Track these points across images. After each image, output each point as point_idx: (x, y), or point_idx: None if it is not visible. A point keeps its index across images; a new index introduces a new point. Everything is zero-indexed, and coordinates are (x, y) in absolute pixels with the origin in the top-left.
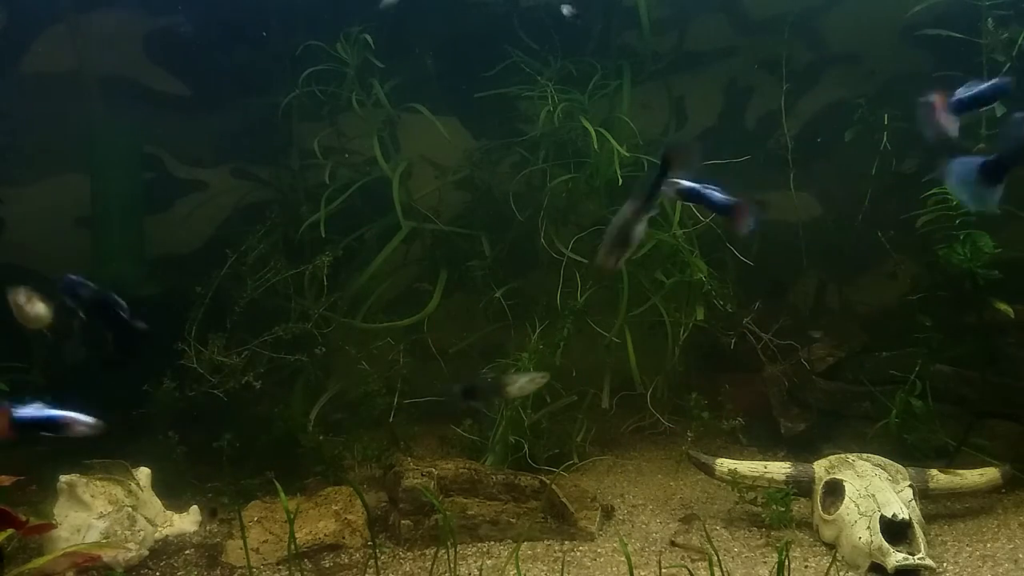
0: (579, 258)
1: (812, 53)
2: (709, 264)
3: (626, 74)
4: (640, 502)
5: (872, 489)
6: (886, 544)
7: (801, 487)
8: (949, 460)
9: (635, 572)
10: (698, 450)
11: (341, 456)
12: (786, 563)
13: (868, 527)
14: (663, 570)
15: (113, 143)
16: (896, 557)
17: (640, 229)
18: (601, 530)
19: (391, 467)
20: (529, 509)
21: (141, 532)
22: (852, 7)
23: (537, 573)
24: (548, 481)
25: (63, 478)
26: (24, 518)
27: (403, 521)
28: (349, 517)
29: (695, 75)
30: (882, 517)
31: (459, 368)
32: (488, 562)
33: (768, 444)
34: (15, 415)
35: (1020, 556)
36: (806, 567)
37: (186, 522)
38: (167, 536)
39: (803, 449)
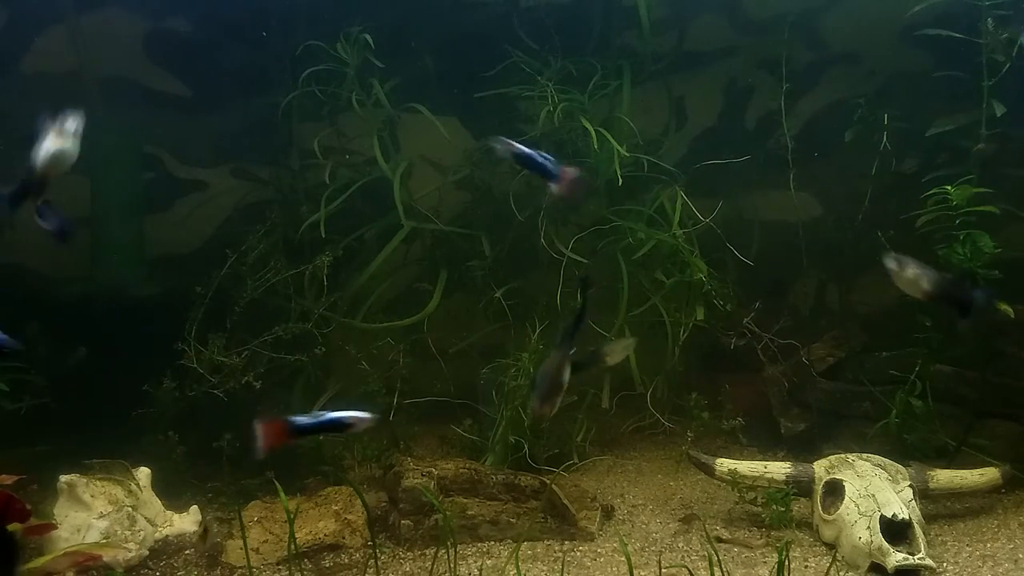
0: (579, 258)
1: (812, 53)
2: (709, 264)
3: (626, 74)
4: (640, 502)
5: (872, 489)
6: (886, 544)
7: (801, 487)
8: (949, 460)
9: (635, 572)
10: (698, 450)
11: (341, 456)
12: (786, 563)
13: (868, 527)
14: (663, 570)
15: (113, 143)
16: (896, 557)
17: (568, 371)
18: (601, 530)
19: (391, 467)
20: (529, 509)
21: (141, 532)
22: (852, 7)
23: (537, 573)
24: (548, 481)
25: (63, 478)
26: (29, 506)
27: (403, 521)
28: (349, 517)
29: (695, 75)
30: (882, 517)
31: (459, 368)
32: (488, 562)
33: (768, 444)
34: (295, 424)
35: (1020, 556)
36: (806, 567)
37: (186, 522)
38: (167, 536)
39: (803, 449)
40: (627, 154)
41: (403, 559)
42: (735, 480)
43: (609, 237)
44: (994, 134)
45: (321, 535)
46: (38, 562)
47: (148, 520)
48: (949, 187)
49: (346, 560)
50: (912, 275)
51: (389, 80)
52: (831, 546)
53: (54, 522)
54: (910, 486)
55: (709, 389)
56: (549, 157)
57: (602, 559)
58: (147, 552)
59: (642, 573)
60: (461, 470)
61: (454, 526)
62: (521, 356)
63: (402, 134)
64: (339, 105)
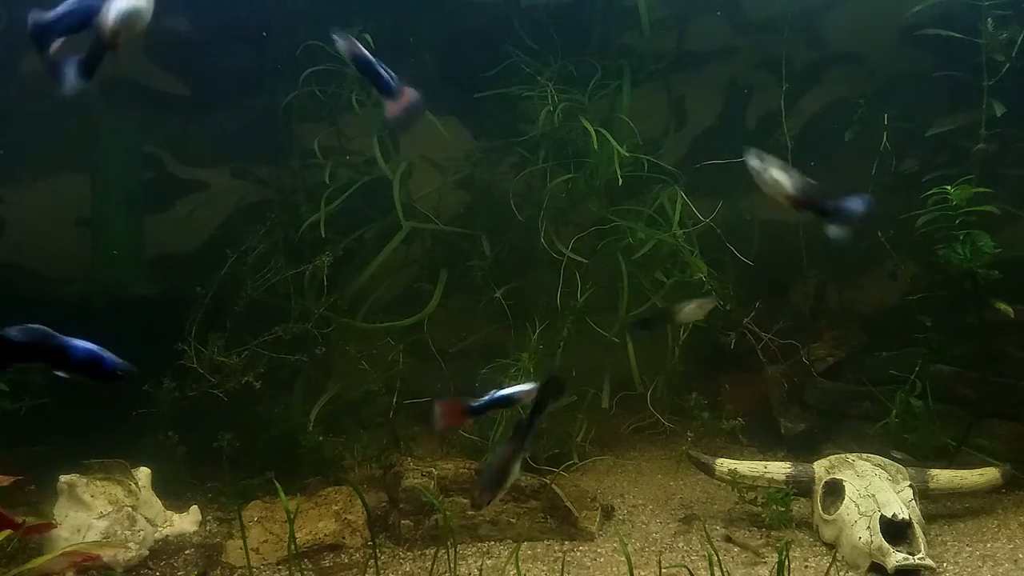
0: (579, 258)
1: (812, 53)
2: (709, 264)
3: (626, 74)
4: (640, 502)
5: (872, 489)
6: (886, 544)
7: (801, 487)
8: (949, 460)
9: (635, 572)
10: (698, 450)
11: (341, 456)
12: (786, 563)
13: (868, 527)
14: (663, 570)
15: (113, 143)
16: (896, 557)
17: (517, 467)
18: (601, 530)
19: (391, 467)
20: (529, 509)
21: (141, 532)
22: (852, 7)
23: (537, 573)
24: (548, 481)
25: (63, 478)
26: (20, 519)
27: (403, 521)
28: (349, 517)
29: (695, 75)
30: (882, 517)
31: (459, 368)
32: (488, 562)
33: (768, 444)
34: (471, 404)
35: (1020, 556)
36: (806, 567)
37: (186, 522)
38: (167, 536)
39: (803, 449)
40: (627, 154)
41: (403, 559)
42: (735, 480)
43: (609, 237)
44: (994, 134)
45: (321, 535)
46: (38, 562)
47: (148, 520)
48: (949, 187)
49: (346, 560)
50: (773, 176)
51: None
52: (831, 546)
53: (54, 522)
54: (910, 486)
55: (709, 389)
56: (391, 72)
57: (602, 559)
58: (147, 552)
59: (642, 573)
60: (461, 470)
61: (454, 526)
62: (521, 356)
63: (402, 134)
64: (339, 105)
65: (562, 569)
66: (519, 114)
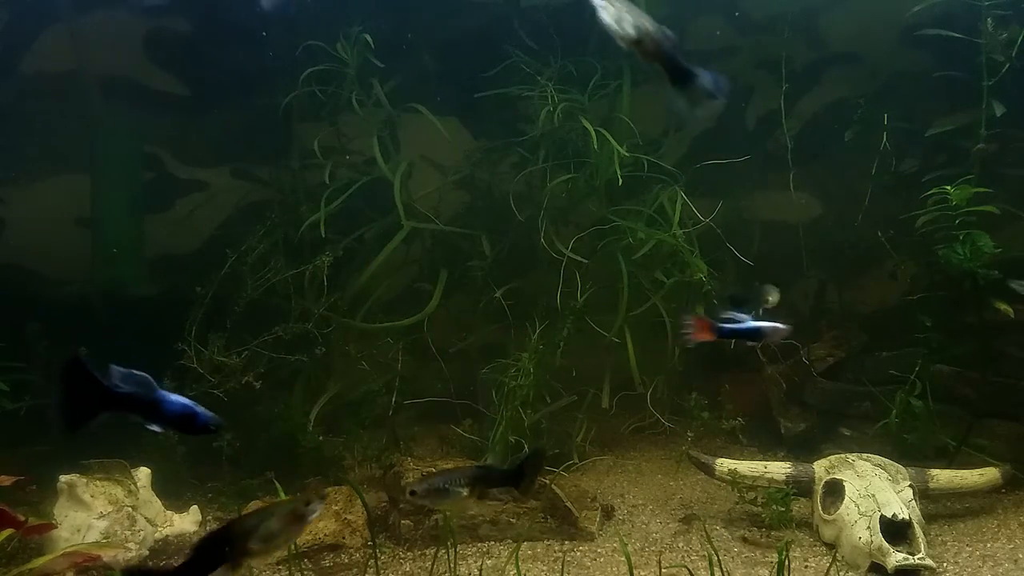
0: (579, 258)
1: (812, 53)
2: (709, 264)
3: (626, 74)
4: (640, 502)
5: (872, 489)
6: (886, 544)
7: (801, 487)
8: (949, 460)
9: (635, 572)
10: (698, 450)
11: (341, 456)
12: (786, 563)
13: (868, 527)
14: (663, 570)
15: (113, 143)
16: (896, 557)
17: (456, 494)
18: (601, 530)
19: (391, 467)
20: (529, 509)
21: (141, 532)
22: (852, 7)
23: (537, 573)
24: (548, 481)
25: (63, 478)
26: (23, 518)
27: (403, 521)
28: (349, 517)
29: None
30: (882, 517)
31: (459, 368)
32: (488, 562)
33: (768, 444)
34: (721, 327)
35: (1020, 556)
36: (806, 567)
37: (186, 522)
38: (167, 536)
39: (803, 449)
40: (627, 154)
41: (403, 559)
42: (735, 480)
43: (609, 237)
44: (994, 134)
45: (321, 535)
46: (38, 562)
47: (148, 520)
48: (949, 187)
49: (346, 560)
50: (615, 14)
51: (389, 80)
52: (831, 546)
53: (54, 522)
54: (910, 486)
55: (709, 389)
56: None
57: (602, 559)
58: (147, 552)
59: (642, 573)
60: None
61: (454, 526)
62: (521, 356)
63: (402, 134)
64: (339, 105)
65: (562, 569)
66: (519, 114)
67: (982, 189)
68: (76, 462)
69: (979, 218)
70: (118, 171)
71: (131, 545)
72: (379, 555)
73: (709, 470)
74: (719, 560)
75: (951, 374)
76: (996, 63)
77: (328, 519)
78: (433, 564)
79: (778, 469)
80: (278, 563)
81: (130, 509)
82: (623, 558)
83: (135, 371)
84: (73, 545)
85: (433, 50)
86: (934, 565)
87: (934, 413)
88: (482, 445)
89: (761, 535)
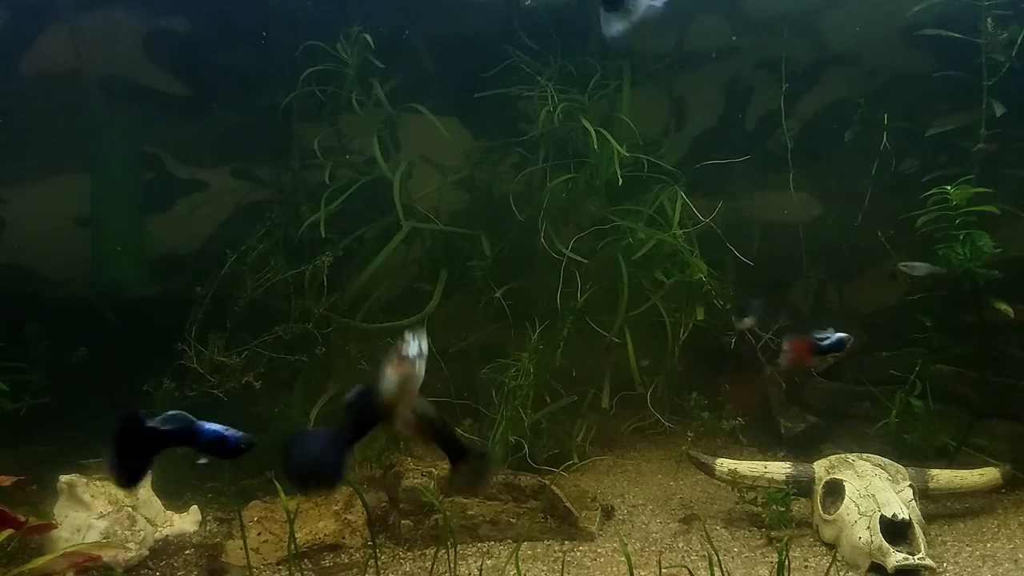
0: (579, 258)
1: (812, 53)
2: (709, 264)
3: (626, 74)
4: (640, 502)
5: (872, 489)
6: (886, 544)
7: (801, 487)
8: (949, 460)
9: (635, 572)
10: (698, 450)
11: None
12: (786, 563)
13: (868, 527)
14: (663, 570)
15: (113, 143)
16: (896, 557)
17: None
18: (601, 530)
19: (391, 467)
20: (529, 509)
21: (141, 532)
22: (852, 7)
23: (537, 573)
24: (548, 481)
25: (63, 478)
26: (23, 518)
27: (403, 521)
28: (349, 517)
29: (695, 75)
30: (882, 517)
31: (459, 368)
32: (488, 562)
33: (768, 444)
34: (820, 345)
35: (1020, 556)
36: (806, 567)
37: (186, 522)
38: (167, 536)
39: (803, 449)
40: (627, 154)
41: (403, 559)
42: (735, 480)
43: (609, 237)
44: (994, 134)
45: (321, 535)
46: (38, 562)
47: (148, 520)
48: (949, 187)
49: (346, 560)
50: None
51: (389, 80)
52: (831, 546)
53: (54, 522)
54: (910, 486)
55: (709, 389)
56: None
57: (602, 559)
58: (147, 552)
59: (642, 573)
60: None
61: (454, 526)
62: (521, 356)
63: (402, 134)
64: (339, 105)
65: (562, 569)
66: (519, 114)
67: (982, 189)
68: (76, 462)
69: (979, 218)
70: (118, 171)
71: (131, 545)
72: (379, 555)
73: (709, 470)
74: (719, 560)
75: (951, 374)
76: (996, 63)
77: (328, 519)
78: (433, 564)
79: (778, 469)
80: (278, 563)
81: (130, 509)
82: (623, 558)
83: (171, 413)
84: (73, 545)
85: (433, 50)
86: (934, 565)
87: (934, 413)
88: (482, 445)
89: (761, 535)
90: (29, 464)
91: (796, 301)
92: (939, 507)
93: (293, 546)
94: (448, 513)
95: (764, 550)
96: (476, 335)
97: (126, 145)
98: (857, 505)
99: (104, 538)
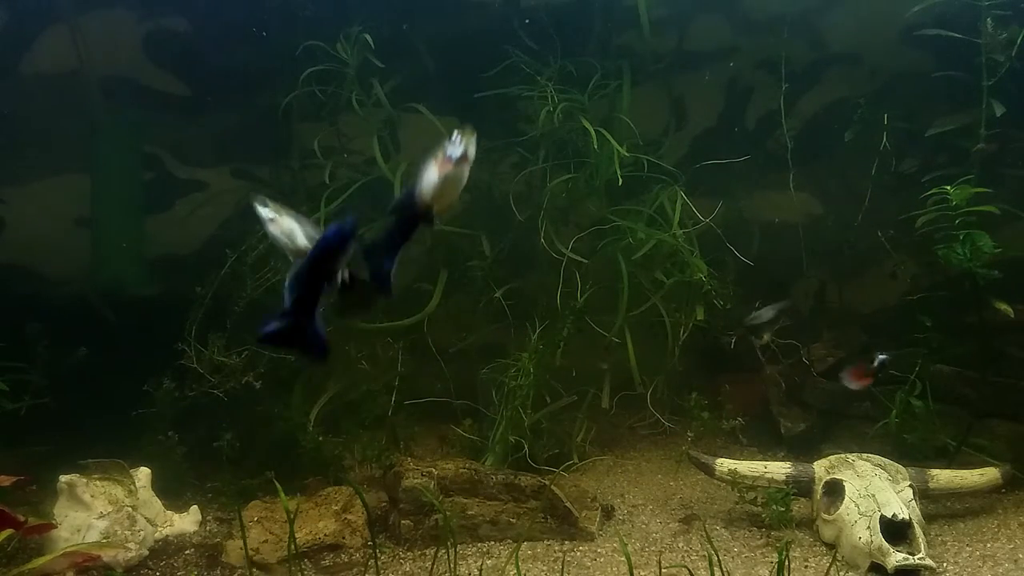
0: (579, 258)
1: (812, 53)
2: (709, 264)
3: (626, 74)
4: (640, 502)
5: (872, 489)
6: (886, 544)
7: (801, 487)
8: (949, 460)
9: (635, 572)
10: (698, 450)
11: (341, 456)
12: (786, 563)
13: (868, 527)
14: (663, 570)
15: (113, 143)
16: (896, 557)
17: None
18: (601, 530)
19: (391, 467)
20: (529, 509)
21: (141, 532)
22: (852, 7)
23: (537, 573)
24: (548, 481)
25: (63, 478)
26: (23, 518)
27: (403, 521)
28: (349, 517)
29: (695, 75)
30: (882, 517)
31: (459, 368)
32: (488, 562)
33: (768, 444)
34: (875, 367)
35: (1020, 556)
36: (806, 567)
37: (186, 522)
38: (167, 536)
39: (803, 449)
40: (627, 154)
41: (403, 559)
42: (735, 480)
43: (609, 237)
44: (994, 134)
45: (321, 535)
46: (38, 562)
47: (148, 520)
48: (949, 187)
49: (346, 560)
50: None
51: (389, 80)
52: (831, 546)
53: (54, 522)
54: (910, 486)
55: (709, 389)
56: None
57: (602, 559)
58: (147, 552)
59: (642, 573)
60: (461, 470)
61: (454, 526)
62: (521, 356)
63: (402, 134)
64: (339, 105)
65: (562, 569)
66: (519, 114)
67: (982, 189)
68: (76, 462)
69: (979, 218)
70: (118, 171)
71: (131, 545)
72: (379, 555)
73: (709, 470)
74: (719, 560)
75: (951, 374)
76: (996, 63)
77: (328, 519)
78: (433, 564)
79: (778, 469)
80: (278, 563)
81: (130, 509)
82: (623, 558)
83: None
84: (73, 545)
85: (433, 50)
86: (934, 565)
87: (934, 413)
88: (482, 445)
89: (761, 535)
90: (29, 464)
91: (796, 301)
92: (939, 507)
93: (293, 546)
94: (448, 513)
95: (764, 550)
96: (476, 335)
97: (126, 145)
98: (857, 505)
99: (104, 538)
